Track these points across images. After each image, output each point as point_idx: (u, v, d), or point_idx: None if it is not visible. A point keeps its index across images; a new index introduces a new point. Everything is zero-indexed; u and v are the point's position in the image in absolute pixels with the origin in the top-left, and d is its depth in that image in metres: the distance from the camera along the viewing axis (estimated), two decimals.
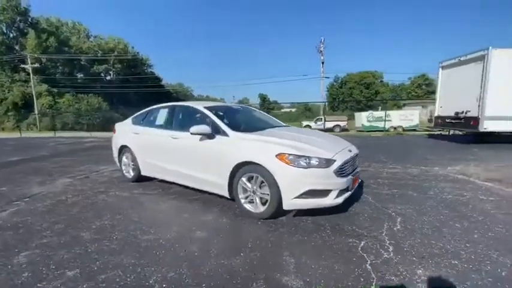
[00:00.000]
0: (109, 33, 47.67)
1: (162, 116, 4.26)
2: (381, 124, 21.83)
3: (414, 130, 21.10)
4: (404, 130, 20.84)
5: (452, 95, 9.22)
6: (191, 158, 3.60)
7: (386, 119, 23.41)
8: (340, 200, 2.85)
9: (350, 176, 2.97)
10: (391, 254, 2.25)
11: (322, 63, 27.94)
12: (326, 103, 31.69)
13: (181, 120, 3.95)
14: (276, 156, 2.81)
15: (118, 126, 5.07)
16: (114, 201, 3.76)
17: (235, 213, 3.21)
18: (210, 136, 3.37)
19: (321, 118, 24.59)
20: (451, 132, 11.68)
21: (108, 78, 47.41)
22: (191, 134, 3.37)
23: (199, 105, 3.84)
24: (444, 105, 9.66)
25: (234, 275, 2.01)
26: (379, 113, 23.80)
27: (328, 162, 2.79)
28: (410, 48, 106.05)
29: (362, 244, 2.43)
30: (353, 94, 50.03)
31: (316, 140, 3.26)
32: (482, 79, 7.82)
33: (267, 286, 1.88)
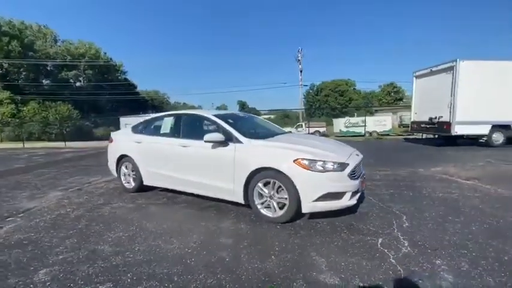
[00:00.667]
0: (79, 38, 45.43)
1: (167, 124, 4.23)
2: (357, 129, 23.05)
3: (388, 135, 22.45)
4: (379, 135, 22.07)
5: (426, 102, 10.06)
6: (203, 165, 3.62)
7: (362, 124, 24.81)
8: (354, 201, 3.04)
9: (359, 179, 3.18)
10: (409, 248, 2.47)
11: (301, 71, 28.88)
12: (304, 110, 32.65)
13: (190, 128, 3.95)
14: (294, 161, 2.95)
15: (115, 135, 4.92)
16: (122, 212, 3.64)
17: (252, 218, 3.27)
18: (223, 144, 3.42)
19: (301, 124, 25.32)
20: (424, 136, 12.65)
21: (78, 84, 44.95)
22: (205, 142, 3.41)
23: (208, 113, 3.89)
24: (419, 111, 10.49)
25: (273, 276, 2.09)
26: (356, 119, 25.13)
27: (342, 166, 2.98)
28: (380, 57, 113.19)
29: (380, 241, 2.62)
30: (328, 101, 52.04)
31: (326, 146, 3.45)
32: (452, 87, 8.66)
33: (308, 285, 1.98)
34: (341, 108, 46.17)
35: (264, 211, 3.18)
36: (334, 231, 2.89)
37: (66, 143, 16.47)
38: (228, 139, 3.42)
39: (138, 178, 4.37)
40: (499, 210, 3.37)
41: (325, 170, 2.90)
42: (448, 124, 8.82)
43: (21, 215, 3.69)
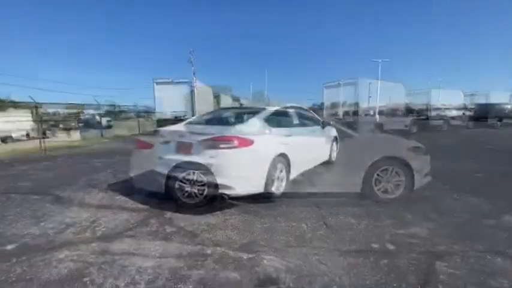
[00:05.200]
0: None
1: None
2: None
3: None
4: None
5: (333, 105, 13.42)
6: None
7: None
8: None
9: None
10: (456, 195, 4.01)
11: (194, 73, 28.54)
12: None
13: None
14: (407, 149, 3.82)
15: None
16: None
17: (366, 202, 3.76)
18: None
19: None
20: None
21: None
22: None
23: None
24: (329, 111, 13.76)
25: (463, 227, 2.98)
26: None
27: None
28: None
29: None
30: None
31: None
32: (355, 96, 12.16)
33: (484, 225, 3.04)
34: None
35: (381, 194, 3.82)
36: (419, 199, 3.86)
37: None
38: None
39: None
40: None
41: (424, 154, 3.95)
42: None
43: None
